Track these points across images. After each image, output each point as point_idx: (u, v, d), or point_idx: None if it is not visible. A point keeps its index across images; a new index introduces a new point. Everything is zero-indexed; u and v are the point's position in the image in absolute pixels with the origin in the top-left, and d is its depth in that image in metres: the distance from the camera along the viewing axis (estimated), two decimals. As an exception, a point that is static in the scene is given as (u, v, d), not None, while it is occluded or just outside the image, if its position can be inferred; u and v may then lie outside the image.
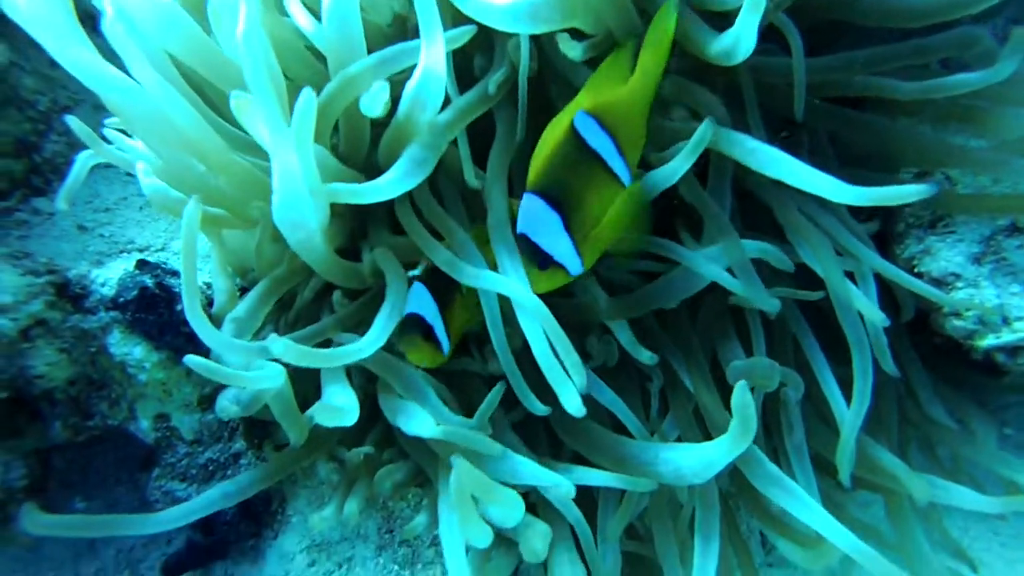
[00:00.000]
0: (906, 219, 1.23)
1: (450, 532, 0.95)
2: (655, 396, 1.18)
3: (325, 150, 1.05)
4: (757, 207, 1.17)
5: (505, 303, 1.00)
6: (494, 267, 1.03)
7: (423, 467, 1.17)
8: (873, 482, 1.13)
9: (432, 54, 0.90)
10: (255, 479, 1.05)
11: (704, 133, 0.96)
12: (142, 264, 1.13)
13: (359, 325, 1.14)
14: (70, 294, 1.08)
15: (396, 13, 1.21)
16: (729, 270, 1.04)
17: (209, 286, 1.25)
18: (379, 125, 1.17)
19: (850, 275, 1.09)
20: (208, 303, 1.22)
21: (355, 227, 1.27)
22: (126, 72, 0.93)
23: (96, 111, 1.74)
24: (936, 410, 1.27)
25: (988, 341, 1.09)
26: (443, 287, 1.05)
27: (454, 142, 1.12)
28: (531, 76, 1.13)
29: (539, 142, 0.95)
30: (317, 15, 1.04)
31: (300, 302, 1.25)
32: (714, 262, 1.03)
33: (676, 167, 0.99)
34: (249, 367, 0.98)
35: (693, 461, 0.91)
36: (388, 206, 1.29)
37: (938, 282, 1.15)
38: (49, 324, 1.05)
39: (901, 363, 1.33)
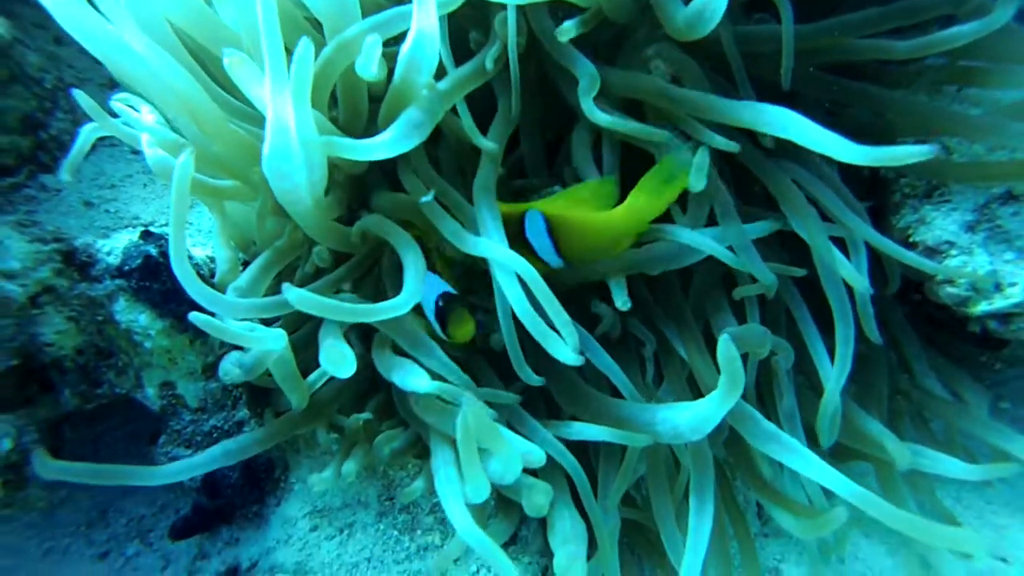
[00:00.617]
0: (902, 189, 1.23)
1: (449, 485, 0.97)
2: (649, 361, 1.19)
3: (323, 116, 1.06)
4: (750, 178, 1.18)
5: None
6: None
7: (421, 435, 1.19)
8: (862, 451, 1.15)
9: (424, 17, 0.91)
10: (256, 439, 1.08)
11: (703, 160, 1.00)
12: (147, 234, 1.15)
13: (348, 287, 1.16)
14: (77, 262, 1.11)
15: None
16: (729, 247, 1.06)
17: (213, 260, 1.28)
18: (376, 100, 1.18)
19: (842, 245, 1.10)
20: (211, 275, 1.25)
21: (352, 198, 1.29)
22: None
23: (101, 89, 1.76)
24: (929, 381, 1.28)
25: (981, 307, 1.10)
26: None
27: (454, 112, 1.14)
28: (522, 52, 1.14)
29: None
30: None
31: (300, 275, 1.27)
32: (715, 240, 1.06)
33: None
34: (247, 332, 1.00)
35: (689, 418, 0.93)
36: (386, 179, 1.31)
37: (932, 250, 1.16)
38: (57, 291, 1.08)
39: (895, 335, 1.34)
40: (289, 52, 1.04)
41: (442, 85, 1.05)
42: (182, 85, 1.00)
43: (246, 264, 1.23)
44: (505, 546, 1.19)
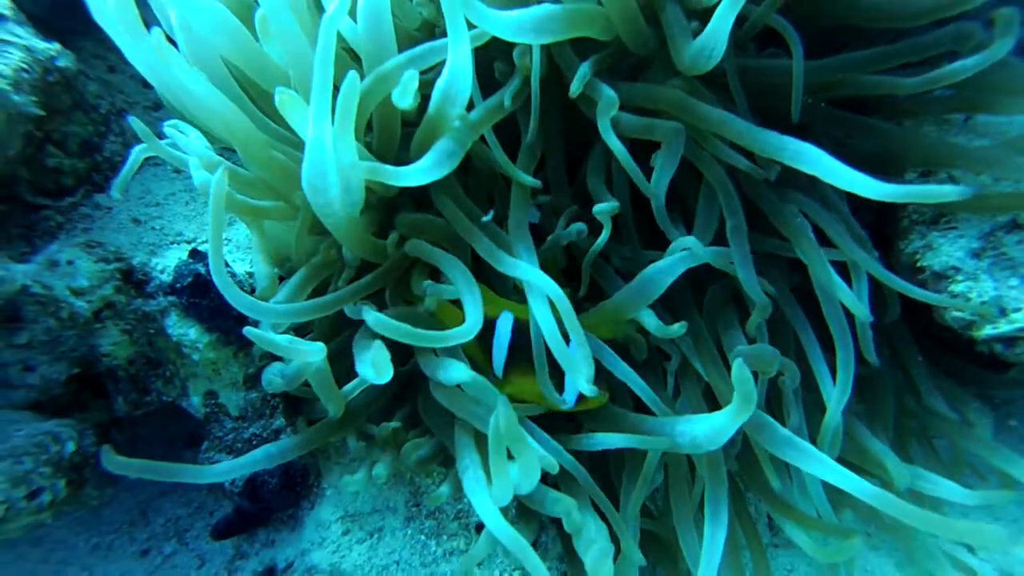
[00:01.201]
0: (910, 215, 1.27)
1: (478, 486, 1.03)
2: (671, 375, 1.25)
3: (360, 144, 1.14)
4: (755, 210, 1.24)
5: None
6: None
7: (445, 444, 1.26)
8: (864, 469, 1.19)
9: (459, 52, 0.98)
10: (295, 444, 1.15)
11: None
12: (195, 253, 1.24)
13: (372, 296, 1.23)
14: (134, 280, 1.20)
15: (424, 19, 1.30)
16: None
17: (251, 275, 1.36)
18: (408, 125, 1.26)
19: (844, 268, 1.15)
20: (251, 290, 1.33)
21: (384, 218, 1.37)
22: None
23: (146, 111, 1.88)
24: (935, 401, 1.32)
25: (986, 331, 1.14)
26: None
27: (482, 141, 1.21)
28: (544, 78, 1.21)
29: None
30: (351, 17, 1.13)
31: (332, 289, 1.35)
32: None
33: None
34: (290, 344, 1.08)
35: (706, 429, 0.99)
36: (412, 201, 1.39)
37: (939, 276, 1.20)
38: (116, 307, 1.16)
39: (902, 355, 1.38)
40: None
41: (472, 116, 1.13)
42: (229, 115, 1.09)
43: (282, 279, 1.31)
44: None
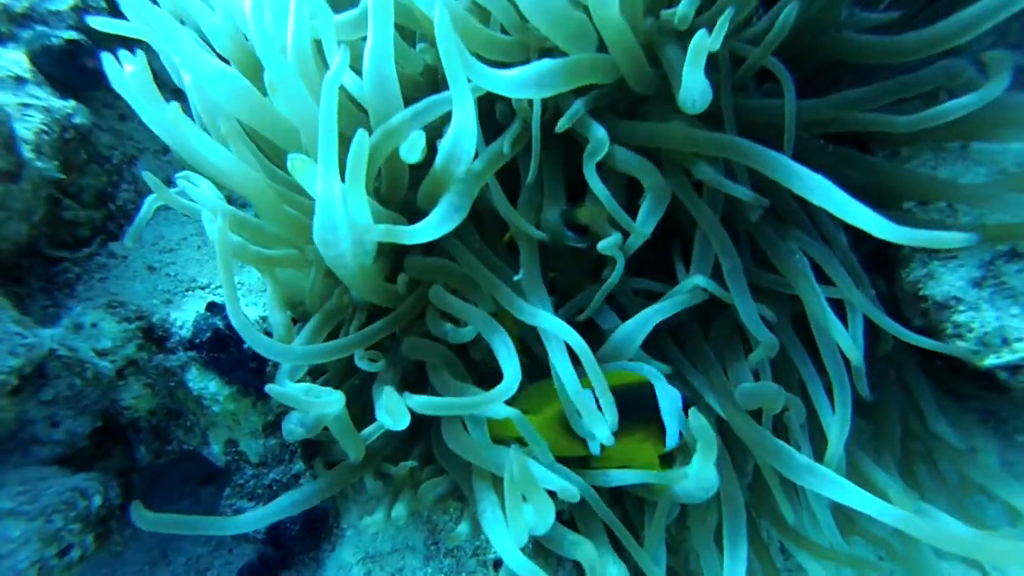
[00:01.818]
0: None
1: (497, 525, 1.06)
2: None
3: (368, 196, 1.17)
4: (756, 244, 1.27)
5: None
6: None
7: (458, 483, 1.28)
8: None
9: (463, 113, 1.01)
10: (318, 489, 1.19)
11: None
12: (212, 306, 1.27)
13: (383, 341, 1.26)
14: (155, 336, 1.23)
15: (427, 64, 1.33)
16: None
17: (264, 319, 1.39)
18: (416, 167, 1.29)
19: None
20: (266, 335, 1.36)
21: (394, 262, 1.40)
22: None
23: (156, 156, 1.91)
24: (941, 426, 1.34)
25: (990, 360, 1.16)
26: None
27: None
28: (547, 119, 1.24)
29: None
30: (357, 69, 1.16)
31: (346, 333, 1.38)
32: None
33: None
34: (311, 396, 1.11)
35: (692, 483, 1.04)
36: (420, 246, 1.42)
37: (941, 305, 1.22)
38: (139, 363, 1.20)
39: (907, 380, 1.40)
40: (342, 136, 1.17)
41: (475, 166, 1.16)
42: (241, 177, 1.12)
43: (295, 321, 1.34)
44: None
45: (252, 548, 1.34)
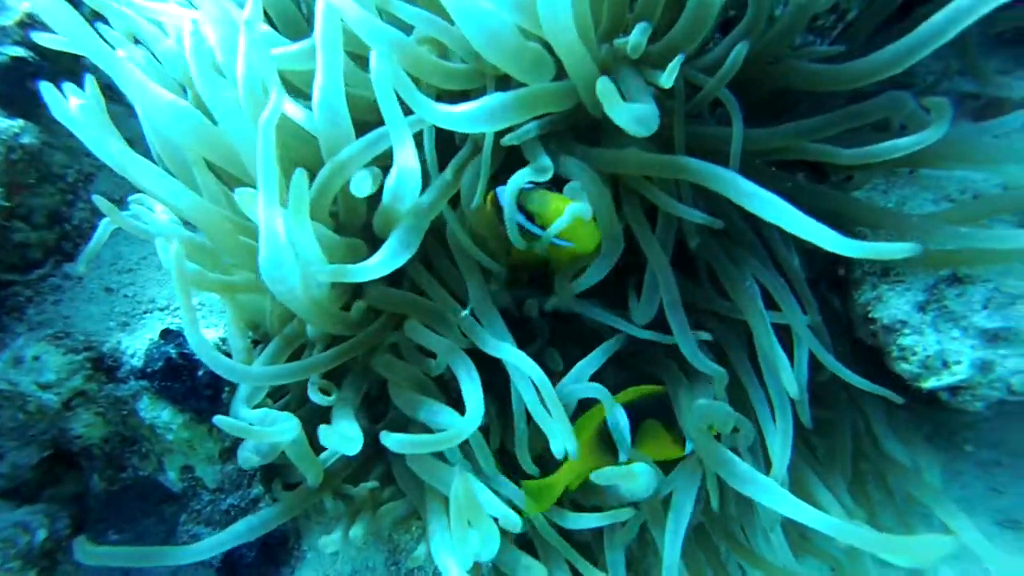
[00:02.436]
0: (863, 266, 1.33)
1: (443, 547, 1.08)
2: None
3: (323, 227, 1.17)
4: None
5: None
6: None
7: (415, 504, 1.29)
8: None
9: (402, 154, 1.02)
10: (275, 514, 1.18)
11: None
12: (165, 333, 1.25)
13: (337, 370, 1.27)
14: (105, 366, 1.22)
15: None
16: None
17: (224, 342, 1.38)
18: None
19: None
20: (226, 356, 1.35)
21: (355, 290, 1.39)
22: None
23: (112, 174, 1.88)
24: (890, 445, 1.38)
25: (931, 383, 1.20)
26: None
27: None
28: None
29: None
30: (305, 94, 1.16)
31: (308, 355, 1.37)
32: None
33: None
34: (266, 422, 1.11)
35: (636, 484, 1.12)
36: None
37: (888, 329, 1.25)
38: (87, 394, 1.18)
39: (857, 399, 1.44)
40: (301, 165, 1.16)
41: (425, 198, 1.16)
42: (194, 211, 1.11)
43: (255, 342, 1.33)
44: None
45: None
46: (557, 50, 1.08)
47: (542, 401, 1.10)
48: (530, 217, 1.17)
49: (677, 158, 1.15)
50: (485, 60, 1.17)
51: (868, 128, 1.23)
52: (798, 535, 1.35)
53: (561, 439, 1.09)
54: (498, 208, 1.19)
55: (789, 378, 1.13)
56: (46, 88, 1.00)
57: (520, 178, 1.10)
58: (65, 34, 1.02)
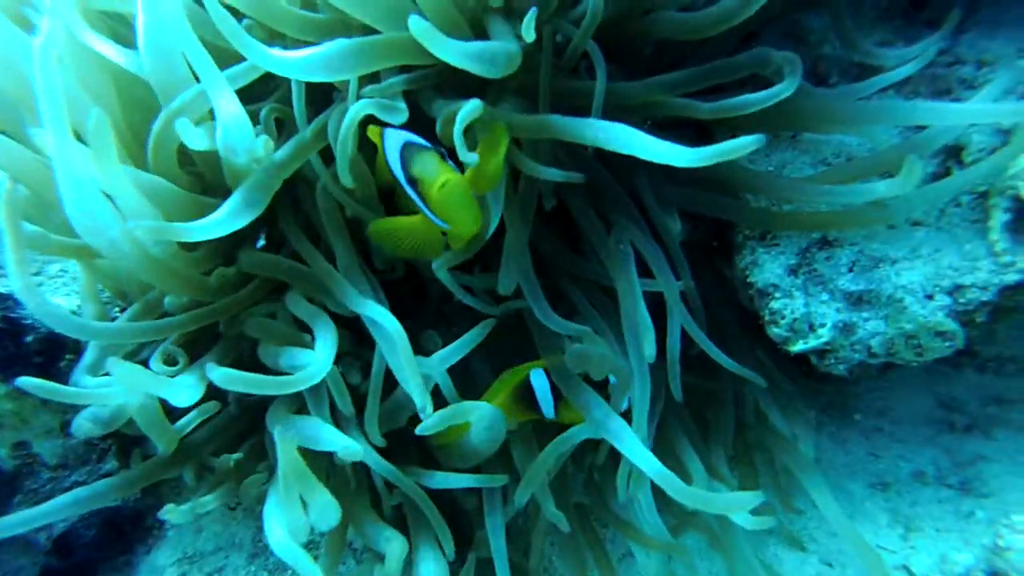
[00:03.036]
0: (743, 231, 1.31)
1: (274, 509, 1.02)
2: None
3: (164, 180, 1.09)
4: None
5: None
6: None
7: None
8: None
9: (223, 106, 0.95)
10: (114, 485, 1.08)
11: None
12: (-12, 296, 1.17)
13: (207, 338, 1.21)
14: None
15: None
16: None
17: (79, 312, 1.29)
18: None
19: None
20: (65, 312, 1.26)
21: (227, 251, 1.32)
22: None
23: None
24: (772, 414, 1.37)
25: (799, 346, 1.18)
26: None
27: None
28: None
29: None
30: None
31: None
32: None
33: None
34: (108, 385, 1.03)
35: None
36: (257, 231, 1.35)
37: (762, 293, 1.23)
38: None
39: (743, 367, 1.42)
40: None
41: (278, 155, 1.09)
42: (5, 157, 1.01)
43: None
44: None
45: (29, 561, 1.25)
46: (420, 2, 1.02)
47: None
48: (412, 181, 1.10)
49: (542, 116, 1.11)
50: (338, 6, 1.10)
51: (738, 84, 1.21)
52: (681, 510, 1.33)
53: (418, 395, 1.06)
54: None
55: (650, 340, 1.10)
56: None
57: (358, 109, 1.03)
58: None
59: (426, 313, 1.47)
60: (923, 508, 1.36)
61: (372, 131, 1.12)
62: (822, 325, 1.15)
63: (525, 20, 1.03)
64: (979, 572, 1.15)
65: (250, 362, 1.33)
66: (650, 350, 1.09)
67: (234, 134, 0.98)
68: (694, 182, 1.29)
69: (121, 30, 1.18)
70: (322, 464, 1.20)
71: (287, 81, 1.14)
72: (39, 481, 1.19)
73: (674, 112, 1.16)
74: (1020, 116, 1.00)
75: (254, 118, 1.21)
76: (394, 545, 1.10)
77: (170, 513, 1.07)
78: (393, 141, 1.09)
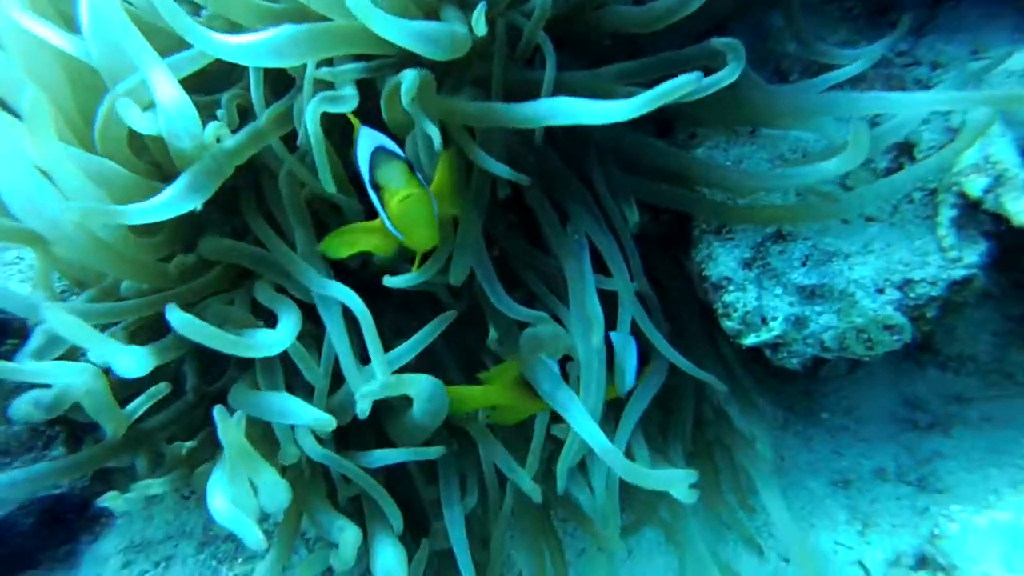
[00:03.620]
0: (700, 224, 1.30)
1: (215, 482, 1.00)
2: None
3: (112, 163, 1.08)
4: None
5: None
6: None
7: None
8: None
9: (162, 90, 0.94)
10: (54, 469, 1.06)
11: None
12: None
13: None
14: None
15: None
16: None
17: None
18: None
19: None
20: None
21: (188, 237, 1.31)
22: None
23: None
24: (731, 410, 1.36)
25: (751, 339, 1.18)
26: None
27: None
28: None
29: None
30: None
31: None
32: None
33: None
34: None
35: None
36: (225, 216, 1.34)
37: (716, 286, 1.23)
38: None
39: (701, 364, 1.41)
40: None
41: (229, 142, 1.09)
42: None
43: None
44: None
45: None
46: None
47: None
48: (376, 187, 1.09)
49: (489, 104, 1.11)
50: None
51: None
52: (642, 503, 1.32)
53: (382, 370, 1.04)
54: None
55: (599, 331, 1.09)
56: None
57: (313, 109, 1.02)
58: None
59: (388, 305, 1.47)
60: (881, 504, 1.35)
61: (354, 120, 1.12)
62: (774, 318, 1.15)
63: (475, 13, 1.03)
64: (908, 557, 1.16)
65: (209, 351, 1.32)
66: (598, 340, 1.08)
67: (175, 118, 0.97)
68: (649, 173, 1.28)
69: (68, 11, 1.18)
70: (273, 450, 1.19)
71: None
72: (-22, 468, 1.17)
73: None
74: (958, 104, 1.00)
75: (217, 105, 1.22)
76: (347, 534, 1.09)
77: (111, 500, 1.06)
78: (366, 142, 1.08)
